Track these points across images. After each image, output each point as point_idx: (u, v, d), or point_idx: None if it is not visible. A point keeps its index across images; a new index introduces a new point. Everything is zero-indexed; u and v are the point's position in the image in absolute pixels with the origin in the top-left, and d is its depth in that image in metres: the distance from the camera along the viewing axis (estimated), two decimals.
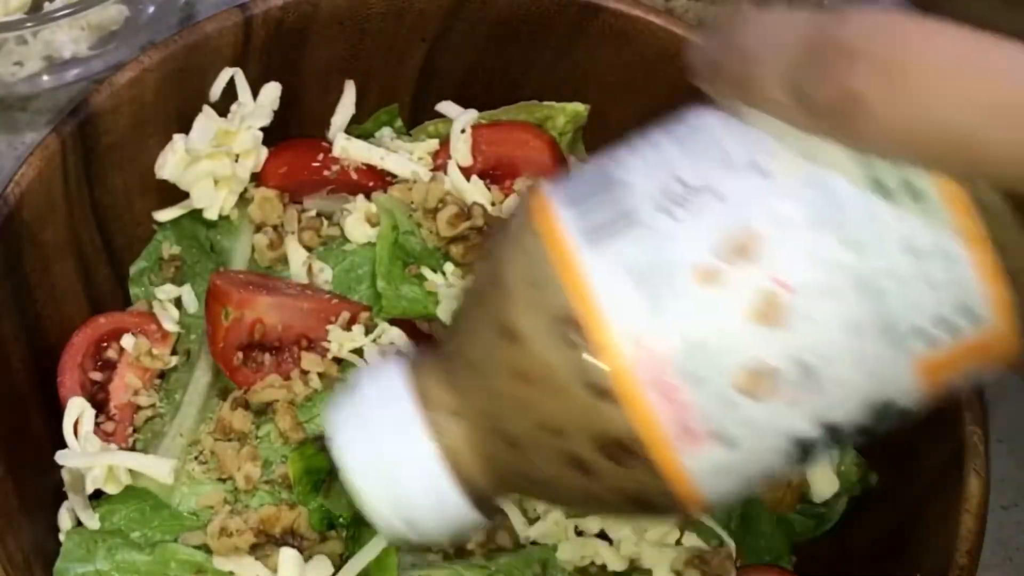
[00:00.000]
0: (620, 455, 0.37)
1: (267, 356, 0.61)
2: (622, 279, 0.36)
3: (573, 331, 0.36)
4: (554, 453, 0.38)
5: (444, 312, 0.63)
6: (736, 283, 0.35)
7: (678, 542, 0.60)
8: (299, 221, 0.66)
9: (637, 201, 0.37)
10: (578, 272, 0.37)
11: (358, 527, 0.61)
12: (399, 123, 0.72)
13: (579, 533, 0.60)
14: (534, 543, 0.60)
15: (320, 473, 0.60)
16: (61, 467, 0.61)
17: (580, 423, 0.37)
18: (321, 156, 0.69)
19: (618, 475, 0.37)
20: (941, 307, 0.35)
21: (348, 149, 0.68)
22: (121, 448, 0.62)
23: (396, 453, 0.40)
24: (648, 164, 0.39)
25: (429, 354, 0.42)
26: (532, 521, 0.60)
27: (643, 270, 0.36)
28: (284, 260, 0.66)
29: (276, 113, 0.67)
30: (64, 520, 0.62)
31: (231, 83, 0.67)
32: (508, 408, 0.38)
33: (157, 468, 0.60)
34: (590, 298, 0.36)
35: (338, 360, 0.62)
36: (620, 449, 0.37)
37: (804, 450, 0.37)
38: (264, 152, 0.67)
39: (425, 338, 0.64)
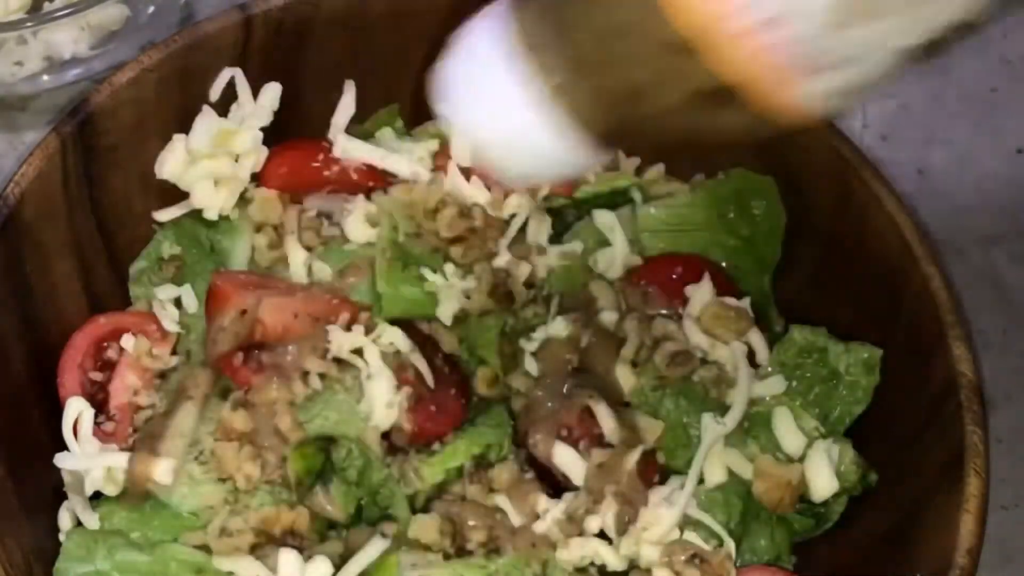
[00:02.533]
0: (723, 97, 0.39)
1: (267, 356, 0.61)
2: None
3: None
4: (654, 98, 0.40)
5: (444, 312, 0.63)
6: None
7: (678, 542, 0.60)
8: (299, 221, 0.66)
9: None
10: None
11: (357, 527, 0.61)
12: (399, 123, 0.72)
13: (579, 533, 0.60)
14: (533, 544, 0.60)
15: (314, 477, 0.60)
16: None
17: (683, 70, 0.39)
18: (321, 156, 0.69)
19: (731, 116, 0.40)
20: None
21: (348, 149, 0.68)
22: (121, 448, 0.62)
23: (505, 98, 0.42)
24: None
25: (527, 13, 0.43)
26: (532, 519, 0.60)
27: None
28: (284, 260, 0.66)
29: (276, 113, 0.67)
30: (64, 520, 0.62)
31: (231, 83, 0.67)
32: (615, 51, 0.40)
33: (157, 468, 0.60)
34: None
35: (338, 360, 0.62)
36: (726, 94, 0.39)
37: (912, 57, 0.39)
38: (264, 152, 0.67)
39: (425, 338, 0.64)
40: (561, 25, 0.42)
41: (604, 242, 0.68)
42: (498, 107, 0.43)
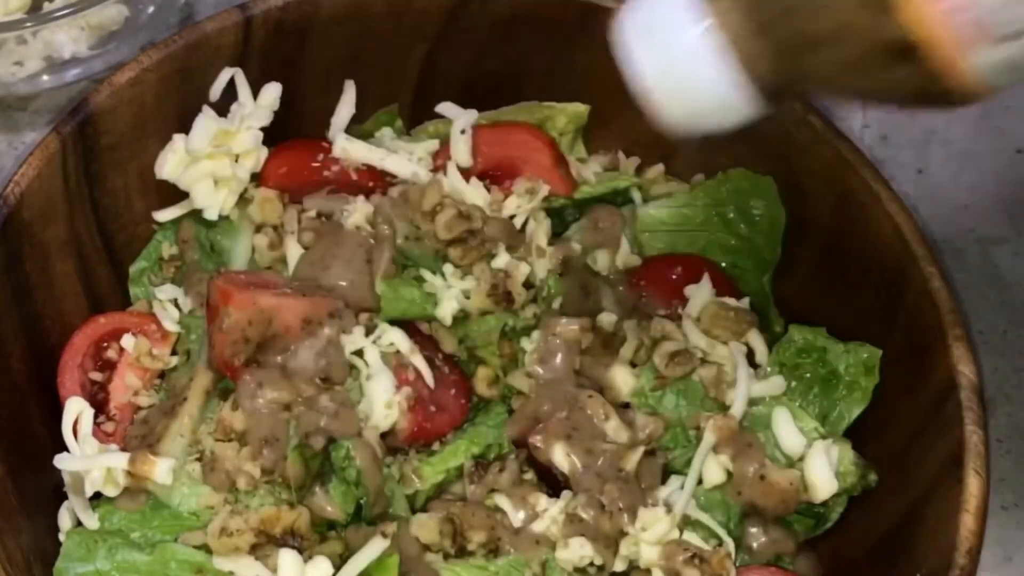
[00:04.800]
0: (902, 57, 0.40)
1: (267, 356, 0.61)
2: None
3: None
4: (836, 54, 0.42)
5: (443, 313, 0.63)
6: None
7: (678, 542, 0.60)
8: (299, 221, 0.66)
9: None
10: None
11: (357, 527, 0.61)
12: (399, 123, 0.72)
13: (579, 533, 0.60)
14: (536, 543, 0.60)
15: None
16: None
17: (866, 26, 0.40)
18: (321, 156, 0.69)
19: (899, 74, 0.41)
20: None
21: (348, 149, 0.68)
22: (121, 448, 0.62)
23: (680, 38, 0.44)
24: None
25: None
26: (532, 519, 0.60)
27: None
28: (284, 260, 0.66)
29: (276, 113, 0.67)
30: (64, 520, 0.62)
31: (231, 83, 0.67)
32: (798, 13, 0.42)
33: (157, 468, 0.60)
34: None
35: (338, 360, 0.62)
36: (902, 52, 0.40)
37: None
38: (264, 152, 0.67)
39: (425, 338, 0.64)
40: None
41: (604, 242, 0.68)
42: (673, 47, 0.44)
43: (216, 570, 0.58)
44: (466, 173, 0.67)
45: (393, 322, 0.63)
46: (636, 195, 0.70)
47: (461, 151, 0.68)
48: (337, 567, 0.58)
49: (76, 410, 0.62)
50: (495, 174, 0.69)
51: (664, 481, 0.62)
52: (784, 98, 0.45)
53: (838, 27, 0.42)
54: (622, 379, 0.64)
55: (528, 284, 0.65)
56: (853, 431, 0.63)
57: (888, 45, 0.41)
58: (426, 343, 0.64)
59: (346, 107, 0.70)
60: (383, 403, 0.61)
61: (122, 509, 0.61)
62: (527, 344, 0.65)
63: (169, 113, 0.66)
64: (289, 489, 0.60)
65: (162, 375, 0.65)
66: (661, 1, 0.45)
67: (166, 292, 0.67)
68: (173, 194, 0.67)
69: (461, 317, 0.64)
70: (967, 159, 0.79)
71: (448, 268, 0.64)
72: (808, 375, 0.64)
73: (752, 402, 0.63)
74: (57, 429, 0.62)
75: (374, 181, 0.68)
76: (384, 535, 0.59)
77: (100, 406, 0.64)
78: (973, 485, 0.56)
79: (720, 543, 0.60)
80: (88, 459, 0.61)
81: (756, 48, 0.43)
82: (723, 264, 0.69)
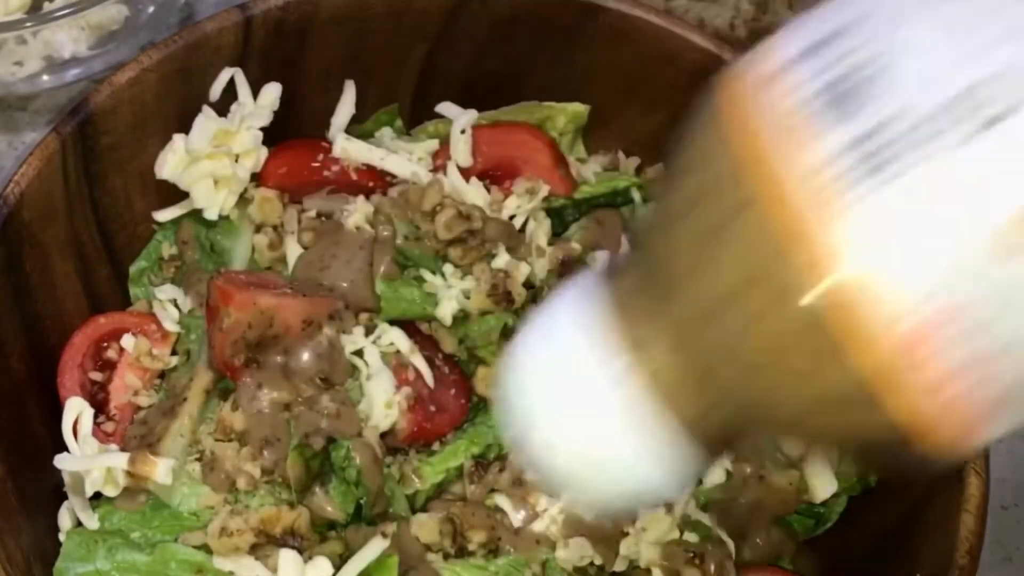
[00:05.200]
0: (868, 406, 0.33)
1: (267, 356, 0.61)
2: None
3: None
4: (791, 400, 0.34)
5: (443, 313, 0.63)
6: None
7: (678, 542, 0.60)
8: (299, 221, 0.66)
9: None
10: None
11: (357, 527, 0.61)
12: (399, 123, 0.72)
13: (579, 533, 0.60)
14: (537, 542, 0.60)
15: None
16: None
17: (832, 372, 0.32)
18: (321, 156, 0.69)
19: (863, 424, 0.34)
20: None
21: (348, 149, 0.68)
22: (121, 449, 0.62)
23: (592, 399, 0.35)
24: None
25: (621, 285, 0.36)
26: (532, 519, 0.60)
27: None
28: (284, 260, 0.66)
29: (276, 113, 0.67)
30: (64, 520, 0.62)
31: (231, 83, 0.67)
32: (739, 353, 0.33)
33: (157, 468, 0.60)
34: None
35: (338, 361, 0.62)
36: (869, 402, 0.32)
37: None
38: (264, 152, 0.67)
39: (425, 338, 0.64)
40: (669, 298, 0.34)
41: (604, 242, 0.68)
42: (583, 410, 0.35)
43: (216, 570, 0.58)
44: (466, 173, 0.67)
45: (393, 322, 0.63)
46: (636, 195, 0.70)
47: (461, 151, 0.68)
48: (337, 567, 0.58)
49: (76, 410, 0.62)
50: (495, 174, 0.69)
51: None
52: (726, 448, 0.38)
53: (816, 430, 0.35)
54: None
55: (528, 284, 0.65)
56: None
57: (878, 433, 0.33)
58: (426, 343, 0.64)
59: (346, 107, 0.70)
60: (383, 403, 0.61)
61: (122, 509, 0.61)
62: None
63: (169, 113, 0.66)
64: (289, 489, 0.60)
65: (162, 375, 0.65)
66: (569, 344, 0.35)
67: (166, 292, 0.67)
68: (173, 194, 0.67)
69: (461, 317, 0.64)
70: None
71: (448, 268, 0.64)
72: None
73: None
74: (57, 429, 0.62)
75: (374, 181, 0.68)
76: (384, 535, 0.59)
77: (100, 406, 0.64)
78: (973, 485, 0.56)
79: (720, 543, 0.60)
80: (88, 459, 0.61)
81: (695, 397, 0.34)
82: None
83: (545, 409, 0.36)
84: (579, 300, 0.36)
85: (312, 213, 0.67)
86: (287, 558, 0.58)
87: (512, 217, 0.66)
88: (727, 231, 0.33)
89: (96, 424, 0.63)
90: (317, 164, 0.68)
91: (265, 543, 0.58)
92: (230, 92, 0.67)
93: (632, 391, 0.34)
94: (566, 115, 0.71)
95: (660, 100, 0.69)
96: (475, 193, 0.66)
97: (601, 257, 0.68)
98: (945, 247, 0.31)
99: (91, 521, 0.60)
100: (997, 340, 0.31)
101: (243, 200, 0.67)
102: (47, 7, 0.76)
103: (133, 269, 0.69)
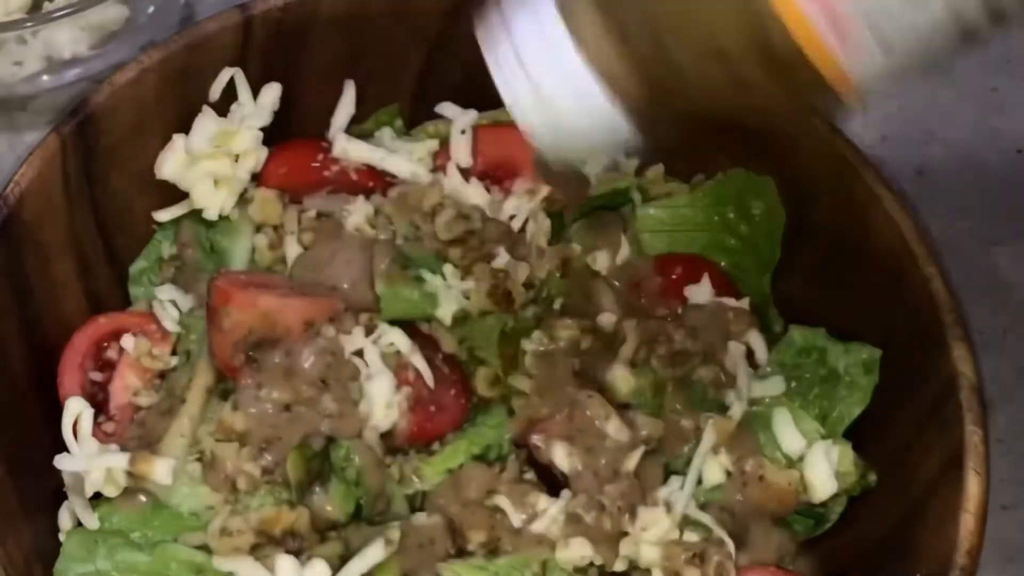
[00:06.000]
0: (781, 66, 0.38)
1: (267, 357, 0.61)
2: None
3: None
4: (710, 69, 0.39)
5: (443, 313, 0.63)
6: None
7: (678, 542, 0.60)
8: (299, 221, 0.66)
9: None
10: None
11: (357, 527, 0.61)
12: (399, 123, 0.72)
13: (579, 533, 0.60)
14: (538, 543, 0.60)
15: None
16: None
17: (742, 36, 0.38)
18: (321, 156, 0.69)
19: (779, 83, 0.39)
20: None
21: (348, 149, 0.68)
22: (121, 449, 0.62)
23: (549, 72, 0.42)
24: None
25: None
26: (532, 519, 0.60)
27: None
28: (284, 260, 0.66)
29: (276, 113, 0.67)
30: (64, 520, 0.62)
31: (231, 83, 0.67)
32: (666, 20, 0.39)
33: (157, 468, 0.60)
34: None
35: (338, 361, 0.62)
36: (782, 62, 0.38)
37: (966, 32, 0.38)
38: (264, 152, 0.67)
39: (425, 339, 0.64)
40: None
41: (604, 242, 0.68)
42: (544, 62, 0.42)
43: (216, 570, 0.58)
44: (466, 173, 0.67)
45: (393, 322, 0.63)
46: (636, 195, 0.70)
47: (461, 151, 0.68)
48: (337, 567, 0.58)
49: (76, 410, 0.62)
50: (495, 174, 0.69)
51: (664, 481, 0.62)
52: (660, 121, 0.43)
53: (711, 37, 0.39)
54: (622, 379, 0.64)
55: (528, 284, 0.65)
56: (853, 431, 0.63)
57: (770, 51, 0.39)
58: (426, 343, 0.64)
59: (346, 107, 0.70)
60: (383, 403, 0.61)
61: (122, 509, 0.61)
62: (527, 345, 0.65)
63: (169, 113, 0.66)
64: (289, 489, 0.60)
65: (162, 375, 0.65)
66: (523, 12, 0.43)
67: (166, 292, 0.67)
68: (173, 194, 0.67)
69: (461, 317, 0.64)
70: (967, 159, 0.79)
71: (448, 268, 0.64)
72: (808, 375, 0.64)
73: (752, 402, 0.63)
74: (57, 429, 0.62)
75: (374, 181, 0.68)
76: (389, 541, 0.59)
77: (100, 406, 0.64)
78: (973, 485, 0.56)
79: (720, 543, 0.60)
80: (88, 459, 0.61)
81: (621, 67, 0.41)
82: (723, 264, 0.69)
83: (519, 55, 0.43)
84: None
85: (312, 213, 0.67)
86: (284, 564, 0.57)
87: (512, 217, 0.66)
88: None
89: (96, 424, 0.63)
90: (317, 164, 0.68)
91: (265, 543, 0.58)
92: (230, 92, 0.67)
93: (579, 63, 0.41)
94: None
95: None
96: (475, 193, 0.66)
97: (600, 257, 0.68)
98: None
99: (91, 521, 0.60)
100: None
101: (243, 200, 0.67)
102: (47, 7, 0.76)
103: (133, 269, 0.69)
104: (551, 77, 0.42)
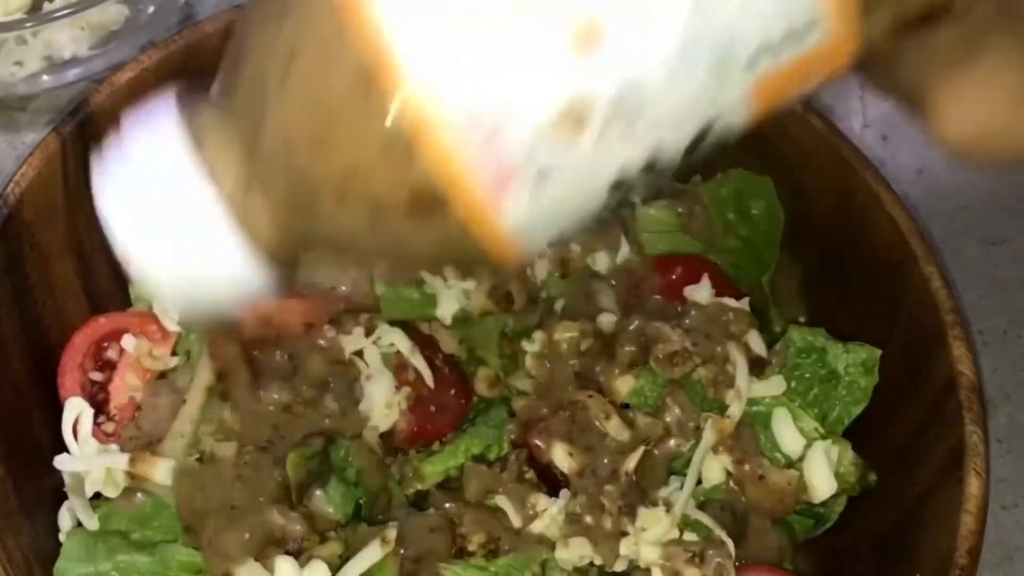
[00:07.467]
0: (429, 208, 0.33)
1: (267, 357, 0.61)
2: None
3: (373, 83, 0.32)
4: (354, 206, 0.34)
5: (443, 313, 0.63)
6: (547, 10, 0.31)
7: (678, 542, 0.60)
8: None
9: None
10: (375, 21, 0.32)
11: (357, 527, 0.61)
12: None
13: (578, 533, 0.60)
14: (539, 542, 0.60)
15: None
16: None
17: (385, 173, 0.33)
18: None
19: (426, 228, 0.34)
20: (778, 20, 0.32)
21: None
22: (121, 449, 0.62)
23: (178, 218, 0.36)
24: None
25: (203, 103, 0.37)
26: (532, 519, 0.60)
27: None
28: None
29: None
30: (64, 520, 0.62)
31: None
32: (303, 154, 0.33)
33: (157, 468, 0.60)
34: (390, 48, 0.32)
35: (338, 361, 0.62)
36: (429, 202, 0.33)
37: (620, 187, 0.34)
38: None
39: (425, 339, 0.64)
40: (248, 111, 0.35)
41: (604, 242, 0.68)
42: (170, 216, 0.36)
43: None
44: None
45: (393, 322, 0.63)
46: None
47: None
48: (336, 568, 0.58)
49: (76, 410, 0.62)
50: None
51: (664, 481, 0.62)
52: (297, 261, 0.38)
53: (346, 171, 0.33)
54: (622, 380, 0.64)
55: (528, 285, 0.65)
56: (853, 431, 0.63)
57: (412, 192, 0.33)
58: (426, 343, 0.64)
59: None
60: (383, 403, 0.61)
61: (122, 509, 0.61)
62: (527, 345, 0.65)
63: None
64: (289, 489, 0.60)
65: (162, 375, 0.65)
66: (158, 153, 0.36)
67: None
68: None
69: (461, 318, 0.64)
70: None
71: (448, 268, 0.64)
72: (807, 375, 0.64)
73: (751, 402, 0.63)
74: (57, 429, 0.62)
75: None
76: (385, 541, 0.59)
77: (100, 406, 0.64)
78: (973, 485, 0.56)
79: (720, 543, 0.60)
80: (88, 459, 0.61)
81: (252, 202, 0.35)
82: (723, 264, 0.69)
83: (140, 220, 0.38)
84: (165, 121, 0.38)
85: None
86: (283, 566, 0.57)
87: None
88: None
89: (96, 424, 0.63)
90: None
91: (265, 544, 0.58)
92: None
93: (210, 207, 0.35)
94: None
95: None
96: None
97: (601, 258, 0.68)
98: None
99: (91, 521, 0.60)
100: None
101: None
102: (47, 7, 0.76)
103: None
104: (176, 216, 0.36)
